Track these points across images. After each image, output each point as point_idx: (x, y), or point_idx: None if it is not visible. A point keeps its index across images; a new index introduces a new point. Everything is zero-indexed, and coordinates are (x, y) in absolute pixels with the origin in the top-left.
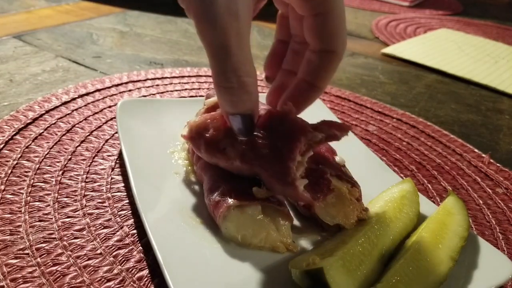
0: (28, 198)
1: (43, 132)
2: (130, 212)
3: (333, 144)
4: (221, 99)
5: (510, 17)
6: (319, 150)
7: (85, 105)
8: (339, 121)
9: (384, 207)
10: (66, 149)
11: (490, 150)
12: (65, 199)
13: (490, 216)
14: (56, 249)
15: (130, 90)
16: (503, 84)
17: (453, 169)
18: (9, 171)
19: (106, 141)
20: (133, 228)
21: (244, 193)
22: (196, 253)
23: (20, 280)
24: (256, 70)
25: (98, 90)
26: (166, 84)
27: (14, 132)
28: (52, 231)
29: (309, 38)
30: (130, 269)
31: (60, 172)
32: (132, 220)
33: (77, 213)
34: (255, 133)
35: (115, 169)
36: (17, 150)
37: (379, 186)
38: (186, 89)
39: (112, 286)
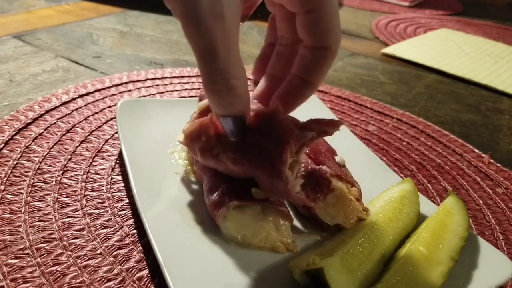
0: (28, 198)
1: (43, 132)
2: (130, 212)
3: (333, 144)
4: (211, 102)
5: (510, 17)
6: (319, 150)
7: (85, 105)
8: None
9: (384, 207)
10: (66, 149)
11: (490, 150)
12: (65, 199)
13: (490, 216)
14: (56, 249)
15: (130, 90)
16: (503, 84)
17: (453, 169)
18: (9, 171)
19: (106, 141)
20: (133, 228)
21: (244, 193)
22: (196, 253)
23: (20, 280)
24: (246, 71)
25: (98, 90)
26: (166, 84)
27: (14, 132)
28: (52, 231)
29: (302, 35)
30: (130, 269)
31: (60, 172)
32: (132, 220)
33: (77, 213)
34: (246, 135)
35: (115, 169)
36: (17, 150)
37: (379, 186)
38: (186, 89)
39: (112, 286)
